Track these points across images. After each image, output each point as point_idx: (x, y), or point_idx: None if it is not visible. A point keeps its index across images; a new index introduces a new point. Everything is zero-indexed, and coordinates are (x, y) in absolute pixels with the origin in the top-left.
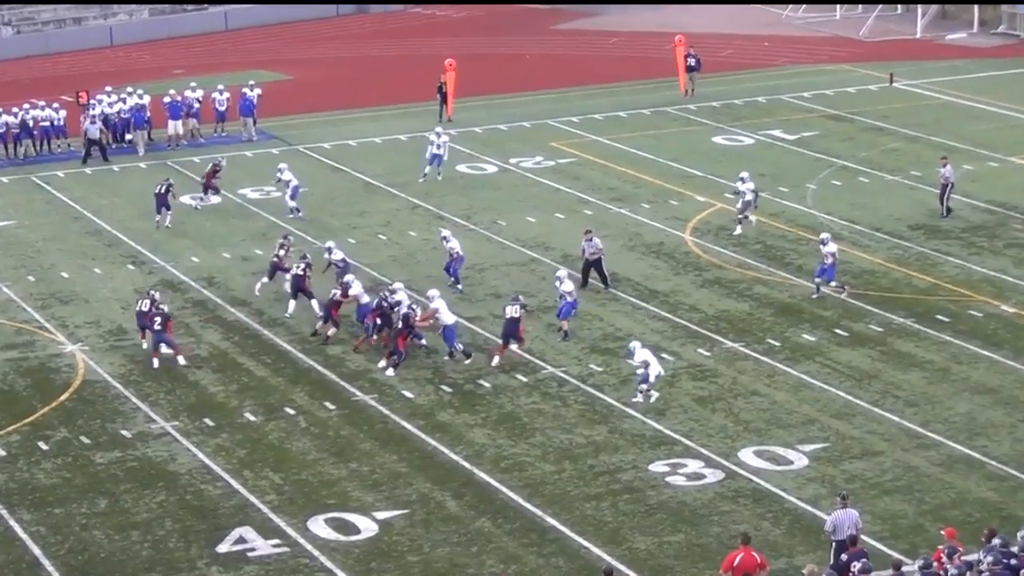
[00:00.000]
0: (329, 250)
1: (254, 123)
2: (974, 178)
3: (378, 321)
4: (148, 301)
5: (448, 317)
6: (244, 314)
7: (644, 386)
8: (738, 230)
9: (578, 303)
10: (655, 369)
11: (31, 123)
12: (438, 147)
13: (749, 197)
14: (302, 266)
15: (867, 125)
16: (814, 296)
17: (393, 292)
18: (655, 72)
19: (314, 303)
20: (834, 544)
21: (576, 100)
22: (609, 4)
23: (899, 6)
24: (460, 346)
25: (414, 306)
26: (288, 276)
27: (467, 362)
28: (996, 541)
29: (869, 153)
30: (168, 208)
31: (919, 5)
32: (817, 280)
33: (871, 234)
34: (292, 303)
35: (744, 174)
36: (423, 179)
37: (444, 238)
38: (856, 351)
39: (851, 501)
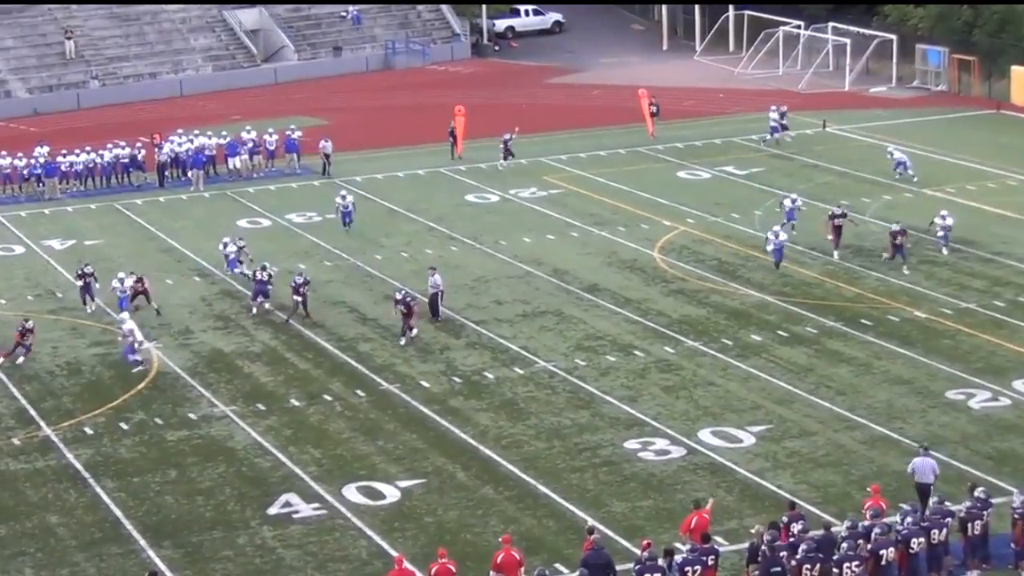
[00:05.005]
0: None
1: (298, 159)
2: (893, 206)
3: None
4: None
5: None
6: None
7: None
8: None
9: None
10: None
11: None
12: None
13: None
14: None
15: (804, 163)
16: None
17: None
18: (629, 119)
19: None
20: (917, 487)
21: (564, 142)
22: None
23: (831, 64)
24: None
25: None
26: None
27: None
28: (906, 507)
29: (806, 186)
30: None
31: (847, 64)
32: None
33: (808, 252)
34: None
35: (891, 148)
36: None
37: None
38: (795, 349)
39: (930, 451)
